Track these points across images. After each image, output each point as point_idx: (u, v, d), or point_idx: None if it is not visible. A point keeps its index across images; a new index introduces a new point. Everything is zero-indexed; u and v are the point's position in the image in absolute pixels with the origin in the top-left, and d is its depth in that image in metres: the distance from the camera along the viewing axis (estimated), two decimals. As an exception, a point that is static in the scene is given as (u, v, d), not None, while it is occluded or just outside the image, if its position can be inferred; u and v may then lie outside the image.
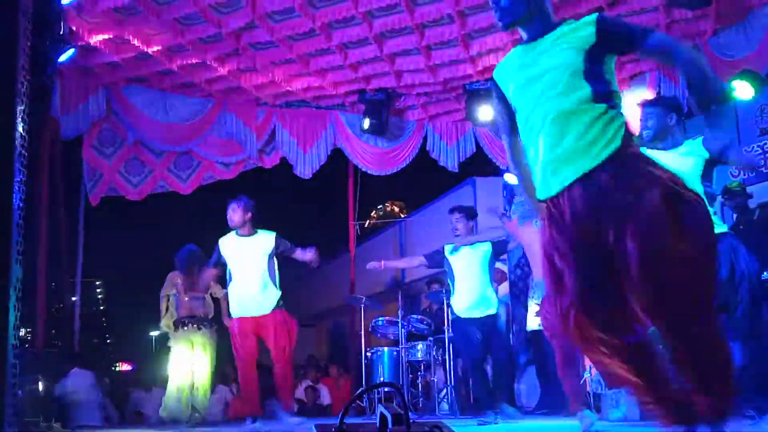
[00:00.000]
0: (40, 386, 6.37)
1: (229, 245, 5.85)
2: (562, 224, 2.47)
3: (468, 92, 7.86)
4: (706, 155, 3.93)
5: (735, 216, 6.31)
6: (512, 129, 2.75)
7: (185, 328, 6.55)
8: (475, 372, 6.06)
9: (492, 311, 5.96)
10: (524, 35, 2.67)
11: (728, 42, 6.54)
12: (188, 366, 6.49)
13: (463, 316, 6.02)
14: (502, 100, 2.75)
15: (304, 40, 7.02)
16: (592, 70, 2.48)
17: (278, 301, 5.74)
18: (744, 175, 6.95)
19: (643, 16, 6.63)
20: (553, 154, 2.49)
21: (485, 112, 7.62)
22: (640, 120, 4.16)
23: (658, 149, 4.05)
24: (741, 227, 6.15)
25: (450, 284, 6.22)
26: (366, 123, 8.17)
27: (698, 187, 3.71)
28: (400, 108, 8.64)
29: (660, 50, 2.49)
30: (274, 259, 5.81)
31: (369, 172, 8.89)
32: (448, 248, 6.23)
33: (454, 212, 6.16)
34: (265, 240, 5.84)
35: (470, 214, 6.18)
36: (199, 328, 6.55)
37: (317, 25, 6.68)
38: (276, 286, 5.77)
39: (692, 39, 6.87)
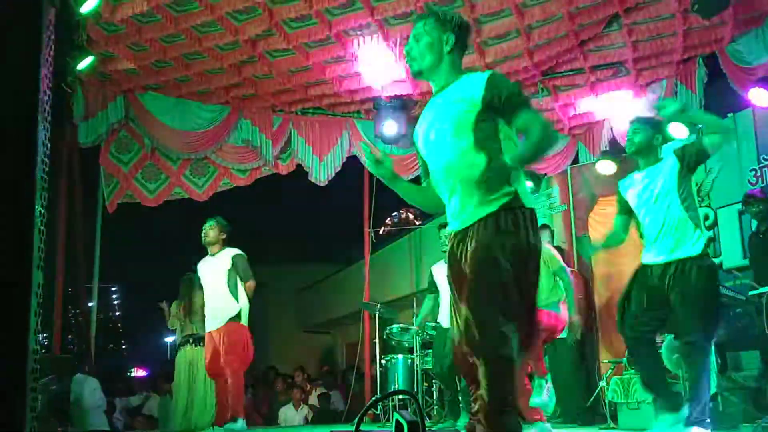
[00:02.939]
0: (55, 390, 6.42)
1: (202, 267, 6.36)
2: None
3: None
4: (677, 159, 4.13)
5: (756, 224, 6.24)
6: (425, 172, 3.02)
7: (186, 347, 7.02)
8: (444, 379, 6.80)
9: None
10: (433, 87, 2.90)
11: (746, 49, 6.49)
12: (189, 382, 6.74)
13: (445, 326, 6.40)
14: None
15: (321, 47, 7.04)
16: (481, 123, 2.68)
17: (235, 315, 6.05)
18: (763, 183, 6.90)
19: (659, 23, 6.60)
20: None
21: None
22: (627, 131, 4.40)
23: (639, 169, 4.32)
24: (761, 236, 6.09)
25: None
26: (388, 127, 8.15)
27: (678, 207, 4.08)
28: (416, 115, 8.63)
29: (522, 126, 2.67)
30: (235, 274, 6.14)
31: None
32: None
33: (443, 229, 6.41)
34: (226, 256, 6.19)
35: None
36: (201, 346, 6.82)
37: (333, 32, 6.70)
38: (235, 299, 6.08)
39: (709, 46, 6.82)
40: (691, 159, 4.12)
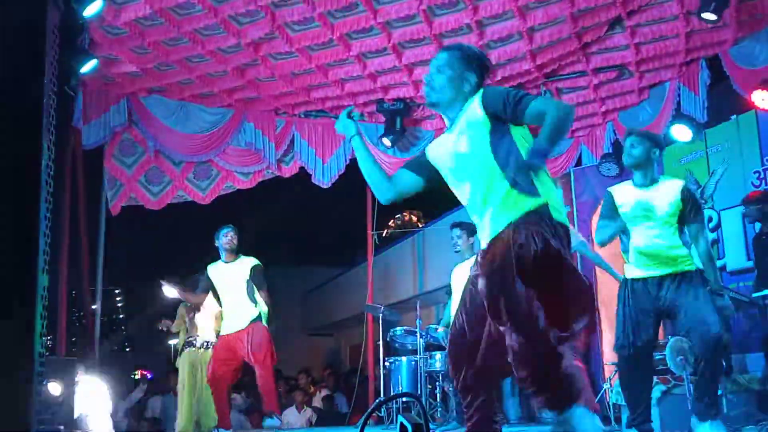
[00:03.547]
0: (60, 392, 6.43)
1: (218, 273, 6.53)
2: None
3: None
4: (679, 203, 4.28)
5: (760, 225, 6.23)
6: (408, 166, 3.08)
7: (189, 348, 7.06)
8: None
9: None
10: (446, 120, 2.95)
11: (749, 51, 6.49)
12: (192, 384, 6.91)
13: None
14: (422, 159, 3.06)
15: (323, 50, 7.05)
16: (496, 140, 2.70)
17: (256, 317, 6.29)
18: (766, 185, 6.89)
19: (662, 25, 6.60)
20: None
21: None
22: (625, 145, 4.49)
23: (636, 181, 4.42)
24: (764, 237, 6.09)
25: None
26: (387, 141, 8.25)
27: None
28: (418, 118, 8.65)
29: (536, 117, 2.63)
30: (252, 283, 6.39)
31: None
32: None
33: (455, 228, 6.38)
34: (246, 266, 6.45)
35: (471, 230, 6.32)
36: (206, 349, 6.98)
37: (336, 35, 6.71)
38: (254, 305, 6.32)
39: (713, 48, 6.82)
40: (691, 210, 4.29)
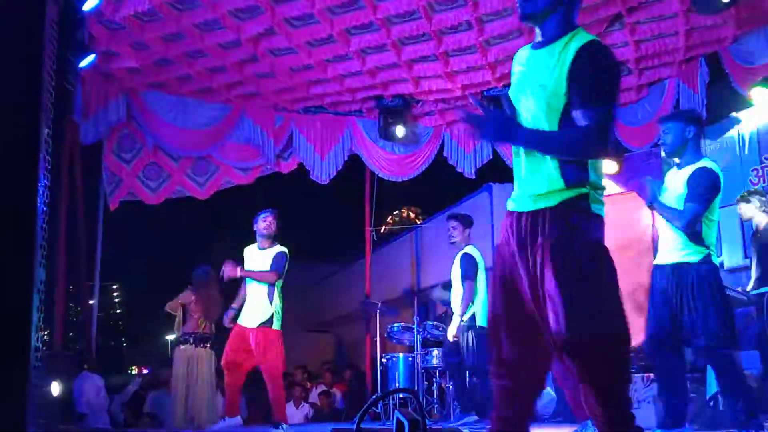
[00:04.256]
0: (57, 388, 6.43)
1: (248, 256, 6.17)
2: None
3: (486, 99, 7.85)
4: (684, 190, 4.04)
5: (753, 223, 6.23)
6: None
7: (185, 345, 6.90)
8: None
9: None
10: (538, 36, 2.49)
11: (749, 49, 6.48)
12: (187, 380, 6.81)
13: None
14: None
15: (323, 46, 7.04)
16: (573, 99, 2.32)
17: (268, 319, 5.98)
18: (764, 183, 6.89)
19: (662, 22, 6.59)
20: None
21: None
22: (660, 134, 4.26)
23: (676, 165, 4.21)
24: (759, 234, 6.08)
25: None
26: (400, 131, 8.22)
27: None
28: (418, 114, 8.64)
29: (580, 115, 2.30)
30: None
31: (385, 177, 8.90)
32: None
33: (451, 219, 6.40)
34: (272, 254, 6.07)
35: (466, 222, 6.39)
36: (201, 346, 6.89)
37: (335, 31, 6.70)
38: (269, 302, 5.99)
39: (712, 46, 6.82)
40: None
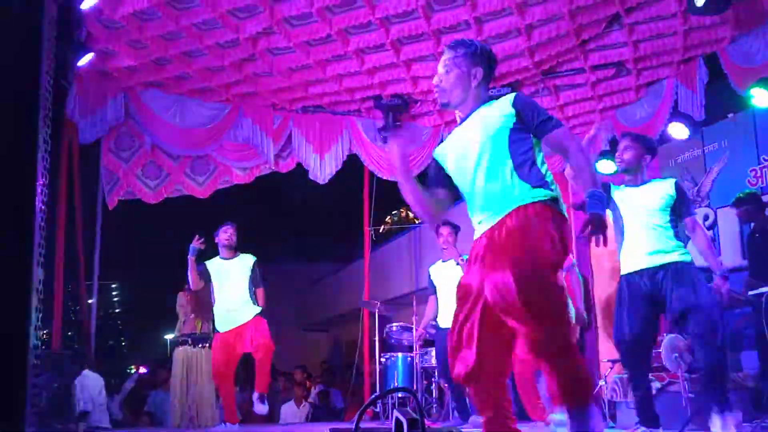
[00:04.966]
0: (56, 387, 6.42)
1: (217, 269, 6.52)
2: None
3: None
4: (673, 194, 4.38)
5: (752, 225, 6.25)
6: (435, 184, 3.04)
7: (184, 346, 7.05)
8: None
9: None
10: (459, 116, 2.97)
11: (747, 49, 6.48)
12: (186, 381, 6.94)
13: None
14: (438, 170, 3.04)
15: (321, 45, 7.04)
16: (516, 139, 2.78)
17: (258, 313, 6.36)
18: (762, 183, 6.90)
19: (660, 23, 6.60)
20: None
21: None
22: (618, 148, 4.57)
23: (625, 183, 4.53)
24: (757, 235, 6.10)
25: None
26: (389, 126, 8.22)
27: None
28: (416, 114, 8.64)
29: (557, 146, 2.79)
30: (251, 281, 6.46)
31: (384, 177, 8.90)
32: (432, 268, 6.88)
33: (444, 226, 6.48)
34: (246, 262, 6.49)
35: (456, 229, 6.47)
36: (200, 347, 7.02)
37: (334, 30, 6.70)
38: (254, 303, 6.39)
39: (710, 46, 6.82)
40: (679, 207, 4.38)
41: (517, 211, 2.68)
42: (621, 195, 4.52)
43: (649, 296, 4.30)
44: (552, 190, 2.71)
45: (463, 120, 2.96)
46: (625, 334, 4.29)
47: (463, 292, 2.78)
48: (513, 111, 2.78)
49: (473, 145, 2.82)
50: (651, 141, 4.78)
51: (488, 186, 2.78)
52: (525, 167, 2.74)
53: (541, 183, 2.72)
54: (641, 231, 4.37)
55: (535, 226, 2.64)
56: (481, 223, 2.83)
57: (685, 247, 4.35)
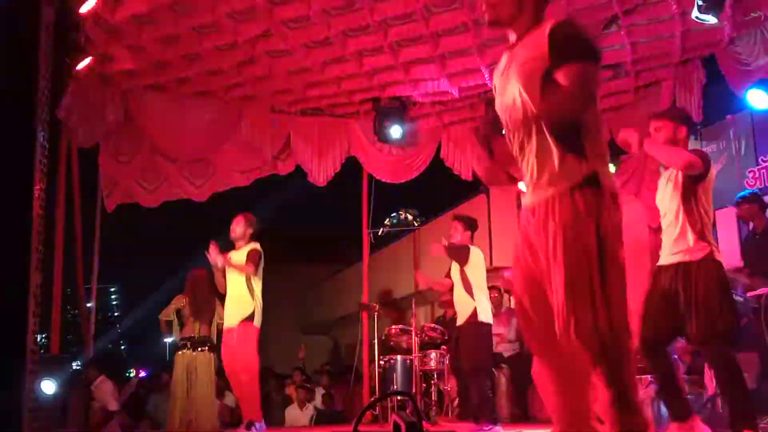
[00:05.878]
0: (53, 390, 6.42)
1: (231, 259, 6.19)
2: None
3: (484, 101, 7.86)
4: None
5: (751, 225, 6.25)
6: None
7: (184, 350, 6.86)
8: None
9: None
10: (512, 37, 2.54)
11: (744, 50, 6.50)
12: (186, 386, 6.76)
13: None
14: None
15: (320, 48, 7.04)
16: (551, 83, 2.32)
17: (250, 314, 5.99)
18: (761, 184, 6.91)
19: (659, 25, 6.60)
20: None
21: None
22: (650, 132, 4.19)
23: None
24: (757, 236, 6.10)
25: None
26: (396, 132, 8.21)
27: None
28: (415, 116, 8.64)
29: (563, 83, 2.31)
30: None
31: (383, 180, 8.90)
32: None
33: (455, 220, 6.39)
34: (244, 252, 6.12)
35: (468, 224, 6.37)
36: (199, 351, 6.83)
37: (333, 33, 6.70)
38: (251, 297, 6.03)
39: (708, 48, 6.83)
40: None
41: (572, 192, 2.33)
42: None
43: (667, 294, 4.02)
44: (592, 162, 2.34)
45: (513, 44, 2.51)
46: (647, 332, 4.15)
47: None
48: (546, 47, 2.32)
49: (513, 86, 2.45)
50: (680, 110, 4.43)
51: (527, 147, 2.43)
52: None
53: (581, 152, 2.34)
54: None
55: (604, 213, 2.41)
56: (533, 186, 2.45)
57: (707, 241, 4.02)
